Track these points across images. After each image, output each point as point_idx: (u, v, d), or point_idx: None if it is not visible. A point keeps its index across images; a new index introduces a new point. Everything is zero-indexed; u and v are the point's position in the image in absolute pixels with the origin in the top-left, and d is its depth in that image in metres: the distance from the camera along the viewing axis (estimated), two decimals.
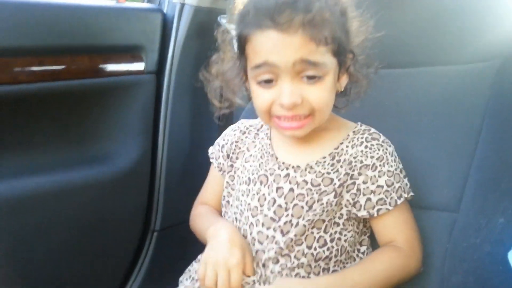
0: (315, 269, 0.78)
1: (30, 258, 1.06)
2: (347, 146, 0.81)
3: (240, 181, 0.87)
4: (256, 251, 0.79)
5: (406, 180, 0.81)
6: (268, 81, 0.74)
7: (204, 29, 1.25)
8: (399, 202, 0.78)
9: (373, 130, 0.83)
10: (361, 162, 0.79)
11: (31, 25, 1.00)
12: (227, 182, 0.91)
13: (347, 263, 0.81)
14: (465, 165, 0.84)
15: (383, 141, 0.81)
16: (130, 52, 1.19)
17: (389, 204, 0.78)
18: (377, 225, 0.81)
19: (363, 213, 0.79)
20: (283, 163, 0.82)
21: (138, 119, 1.21)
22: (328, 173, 0.79)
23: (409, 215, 0.82)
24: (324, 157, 0.80)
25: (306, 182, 0.79)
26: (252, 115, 0.84)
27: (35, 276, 1.08)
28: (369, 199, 0.78)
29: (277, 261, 0.78)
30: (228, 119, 1.17)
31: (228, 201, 0.91)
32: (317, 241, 0.78)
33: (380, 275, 0.77)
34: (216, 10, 1.25)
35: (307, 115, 0.75)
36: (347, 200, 0.79)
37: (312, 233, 0.78)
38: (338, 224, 0.79)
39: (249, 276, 0.77)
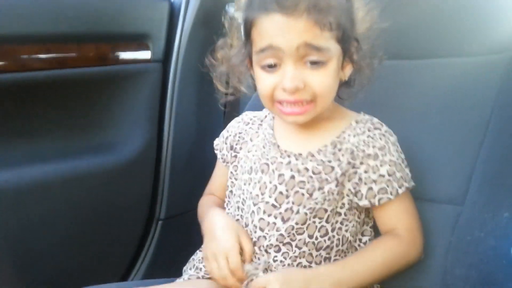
0: (317, 258, 0.78)
1: (35, 246, 1.07)
2: (349, 135, 0.80)
3: (243, 170, 0.87)
4: (258, 238, 0.80)
5: (407, 170, 0.80)
6: (272, 66, 0.74)
7: (211, 18, 1.24)
8: (400, 191, 0.78)
9: (376, 119, 0.83)
10: (363, 151, 0.79)
11: (38, 12, 1.00)
12: (231, 172, 0.92)
13: (348, 252, 0.81)
14: (471, 158, 0.83)
15: (385, 131, 0.81)
16: (137, 40, 1.19)
17: (391, 193, 0.78)
18: (378, 214, 0.82)
19: (364, 203, 0.79)
20: (285, 151, 0.82)
21: (144, 107, 1.21)
22: (329, 161, 0.79)
23: (410, 204, 0.81)
24: (326, 145, 0.80)
25: (307, 170, 0.79)
26: (259, 103, 0.84)
27: (40, 264, 1.09)
28: (370, 188, 0.78)
29: (279, 250, 0.78)
30: (234, 107, 1.17)
31: (231, 191, 0.91)
32: (319, 231, 0.78)
33: (380, 263, 0.77)
34: None
35: (309, 101, 0.75)
36: (349, 190, 0.79)
37: (314, 222, 0.78)
38: (339, 214, 0.79)
39: (250, 262, 0.78)
